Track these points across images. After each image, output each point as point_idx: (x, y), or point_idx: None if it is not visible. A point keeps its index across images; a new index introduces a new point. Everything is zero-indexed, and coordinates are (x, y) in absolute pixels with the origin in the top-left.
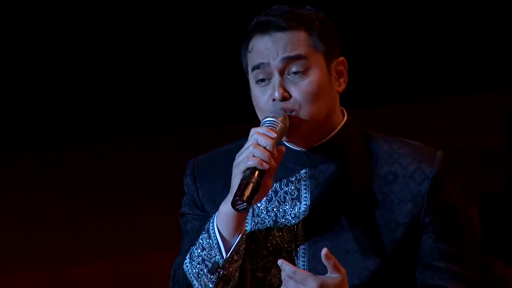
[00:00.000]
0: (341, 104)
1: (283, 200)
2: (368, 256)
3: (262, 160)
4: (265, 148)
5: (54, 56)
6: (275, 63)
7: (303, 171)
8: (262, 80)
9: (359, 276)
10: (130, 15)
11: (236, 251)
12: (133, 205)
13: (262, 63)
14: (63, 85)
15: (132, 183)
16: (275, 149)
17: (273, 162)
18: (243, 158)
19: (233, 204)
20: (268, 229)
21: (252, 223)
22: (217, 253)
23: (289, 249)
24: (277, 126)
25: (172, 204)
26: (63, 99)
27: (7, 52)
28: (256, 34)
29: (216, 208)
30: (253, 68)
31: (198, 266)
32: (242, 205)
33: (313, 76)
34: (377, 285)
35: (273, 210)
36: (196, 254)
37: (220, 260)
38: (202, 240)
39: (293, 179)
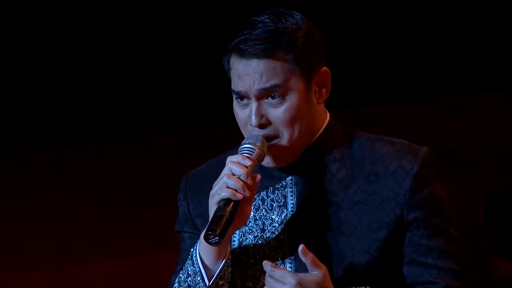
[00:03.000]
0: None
1: (270, 208)
2: (353, 257)
3: (235, 190)
4: (239, 177)
5: (55, 57)
6: (252, 91)
7: (289, 178)
8: (241, 98)
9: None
10: (131, 15)
11: (220, 276)
12: (134, 205)
13: (240, 91)
14: (66, 86)
15: (133, 183)
16: (249, 178)
17: (247, 192)
18: (217, 189)
19: (206, 238)
20: (256, 238)
21: (240, 233)
22: (200, 281)
23: (275, 256)
24: (254, 152)
25: (172, 204)
26: (66, 100)
27: (8, 52)
28: (235, 54)
29: (205, 222)
30: (233, 91)
31: None
32: (214, 239)
33: (291, 101)
34: (363, 285)
35: (260, 218)
36: (183, 280)
37: None
38: (188, 267)
39: (279, 186)
